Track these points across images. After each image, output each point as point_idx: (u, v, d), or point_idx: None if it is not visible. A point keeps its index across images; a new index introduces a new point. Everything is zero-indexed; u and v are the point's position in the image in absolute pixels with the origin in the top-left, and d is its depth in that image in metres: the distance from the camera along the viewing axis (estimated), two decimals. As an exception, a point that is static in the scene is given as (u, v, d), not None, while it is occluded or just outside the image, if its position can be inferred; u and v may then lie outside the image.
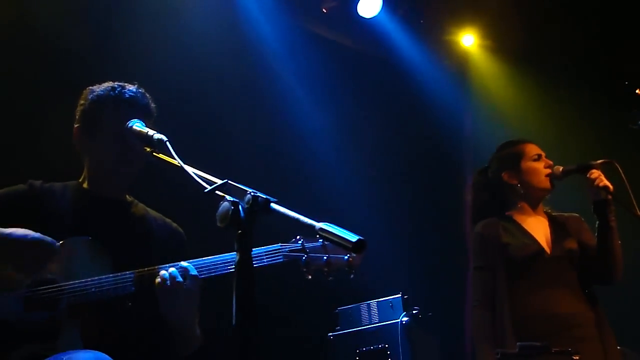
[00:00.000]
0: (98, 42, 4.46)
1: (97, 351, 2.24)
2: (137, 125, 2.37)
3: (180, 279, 2.34)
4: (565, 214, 3.58)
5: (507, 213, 3.52)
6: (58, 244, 2.36)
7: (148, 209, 2.74)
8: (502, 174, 3.54)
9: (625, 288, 4.05)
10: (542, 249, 3.36)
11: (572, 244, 3.38)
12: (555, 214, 3.57)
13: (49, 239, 2.32)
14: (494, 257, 3.38)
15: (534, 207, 3.52)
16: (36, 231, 2.38)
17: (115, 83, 2.63)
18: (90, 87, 2.65)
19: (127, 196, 2.70)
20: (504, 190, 3.55)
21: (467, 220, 3.72)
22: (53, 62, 4.30)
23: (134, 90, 2.62)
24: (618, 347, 3.36)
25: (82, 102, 2.65)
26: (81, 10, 4.45)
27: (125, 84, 2.64)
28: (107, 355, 2.23)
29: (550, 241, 3.39)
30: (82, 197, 2.59)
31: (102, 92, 2.60)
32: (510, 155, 3.56)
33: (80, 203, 2.56)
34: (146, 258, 2.47)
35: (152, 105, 2.64)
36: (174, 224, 2.77)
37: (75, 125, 2.64)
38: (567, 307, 3.25)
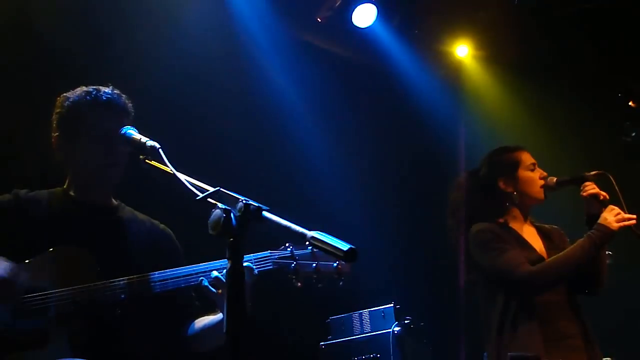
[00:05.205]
0: (92, 46, 4.45)
1: None
2: (129, 132, 2.37)
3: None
4: (547, 226, 3.58)
5: (500, 220, 3.48)
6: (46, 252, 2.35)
7: (135, 212, 2.73)
8: (498, 181, 3.50)
9: (615, 299, 4.05)
10: (542, 257, 3.34)
11: None
12: (538, 224, 3.57)
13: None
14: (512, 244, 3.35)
15: (525, 216, 3.52)
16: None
17: (90, 87, 2.62)
18: (64, 94, 2.64)
19: (113, 200, 2.69)
20: (498, 196, 3.51)
21: (457, 221, 3.62)
22: (47, 65, 4.29)
23: (110, 92, 2.61)
24: (605, 359, 3.37)
25: (57, 110, 2.63)
26: (75, 12, 4.43)
27: (100, 87, 2.63)
28: None
29: (544, 251, 3.40)
30: (68, 203, 2.59)
31: (77, 98, 2.60)
32: (507, 162, 3.52)
33: (66, 210, 2.56)
34: (134, 263, 2.46)
35: (129, 104, 2.63)
36: (161, 225, 2.75)
37: (55, 134, 2.63)
38: (561, 318, 3.25)
